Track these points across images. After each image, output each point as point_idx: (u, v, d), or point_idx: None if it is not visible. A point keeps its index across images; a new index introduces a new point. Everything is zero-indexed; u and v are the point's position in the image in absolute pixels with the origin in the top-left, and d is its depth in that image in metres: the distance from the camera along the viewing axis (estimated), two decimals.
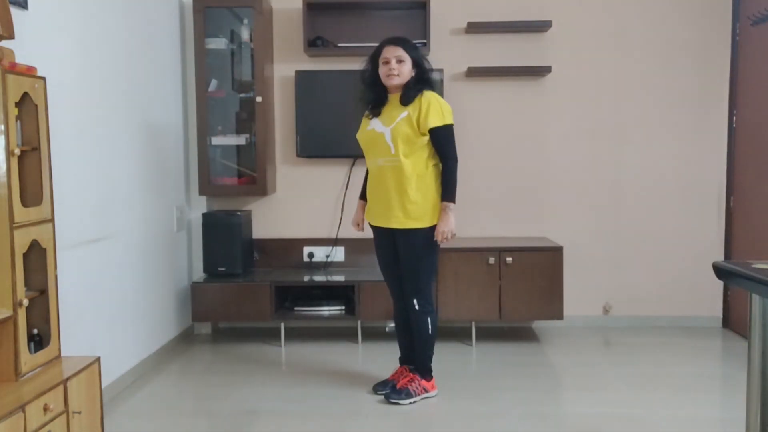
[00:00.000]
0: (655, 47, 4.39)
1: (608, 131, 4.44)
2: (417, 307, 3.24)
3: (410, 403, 3.23)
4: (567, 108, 4.44)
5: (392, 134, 3.13)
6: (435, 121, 3.10)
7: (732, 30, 4.36)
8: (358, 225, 3.50)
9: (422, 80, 3.19)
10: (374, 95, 3.25)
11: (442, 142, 3.14)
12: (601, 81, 4.42)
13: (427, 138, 3.13)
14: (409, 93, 3.15)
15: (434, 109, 3.10)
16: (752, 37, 4.19)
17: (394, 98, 3.21)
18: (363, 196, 3.46)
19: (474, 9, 4.37)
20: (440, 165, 3.19)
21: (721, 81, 4.39)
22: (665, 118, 4.42)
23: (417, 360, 3.33)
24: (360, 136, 3.31)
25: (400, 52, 3.15)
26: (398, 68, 3.14)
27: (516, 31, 4.37)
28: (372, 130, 3.22)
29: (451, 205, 3.14)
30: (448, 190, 3.15)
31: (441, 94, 4.06)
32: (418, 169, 3.14)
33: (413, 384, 3.28)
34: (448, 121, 3.14)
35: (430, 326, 3.26)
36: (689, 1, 4.36)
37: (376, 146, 3.20)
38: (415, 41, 4.13)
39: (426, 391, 3.30)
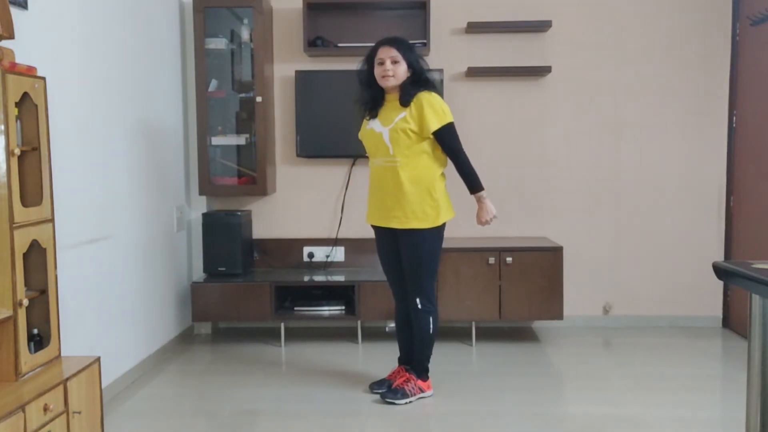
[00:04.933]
0: (655, 47, 4.39)
1: (608, 131, 4.44)
2: (419, 306, 3.24)
3: (406, 402, 3.24)
4: (567, 108, 4.44)
5: (390, 135, 3.14)
6: (434, 124, 3.10)
7: (732, 30, 4.36)
8: None
9: (418, 81, 3.17)
10: (371, 96, 3.26)
11: (446, 142, 3.15)
12: (601, 81, 4.42)
13: (427, 141, 3.14)
14: (407, 95, 3.14)
15: (430, 112, 3.09)
16: (752, 37, 4.19)
17: (391, 98, 3.21)
18: None
19: (474, 9, 4.37)
20: (440, 167, 3.21)
21: (721, 81, 4.39)
22: (665, 118, 4.42)
23: (414, 359, 3.32)
24: (361, 135, 3.32)
25: (394, 53, 3.14)
26: (393, 69, 3.13)
27: (516, 31, 4.37)
28: (371, 129, 3.23)
29: (483, 192, 3.20)
30: (471, 182, 3.20)
31: (441, 93, 4.08)
32: (417, 170, 3.14)
33: (409, 384, 3.28)
34: (448, 120, 3.14)
35: (431, 326, 3.26)
36: (689, 2, 4.36)
37: (376, 146, 3.21)
38: (415, 41, 4.18)
39: (422, 391, 3.30)
